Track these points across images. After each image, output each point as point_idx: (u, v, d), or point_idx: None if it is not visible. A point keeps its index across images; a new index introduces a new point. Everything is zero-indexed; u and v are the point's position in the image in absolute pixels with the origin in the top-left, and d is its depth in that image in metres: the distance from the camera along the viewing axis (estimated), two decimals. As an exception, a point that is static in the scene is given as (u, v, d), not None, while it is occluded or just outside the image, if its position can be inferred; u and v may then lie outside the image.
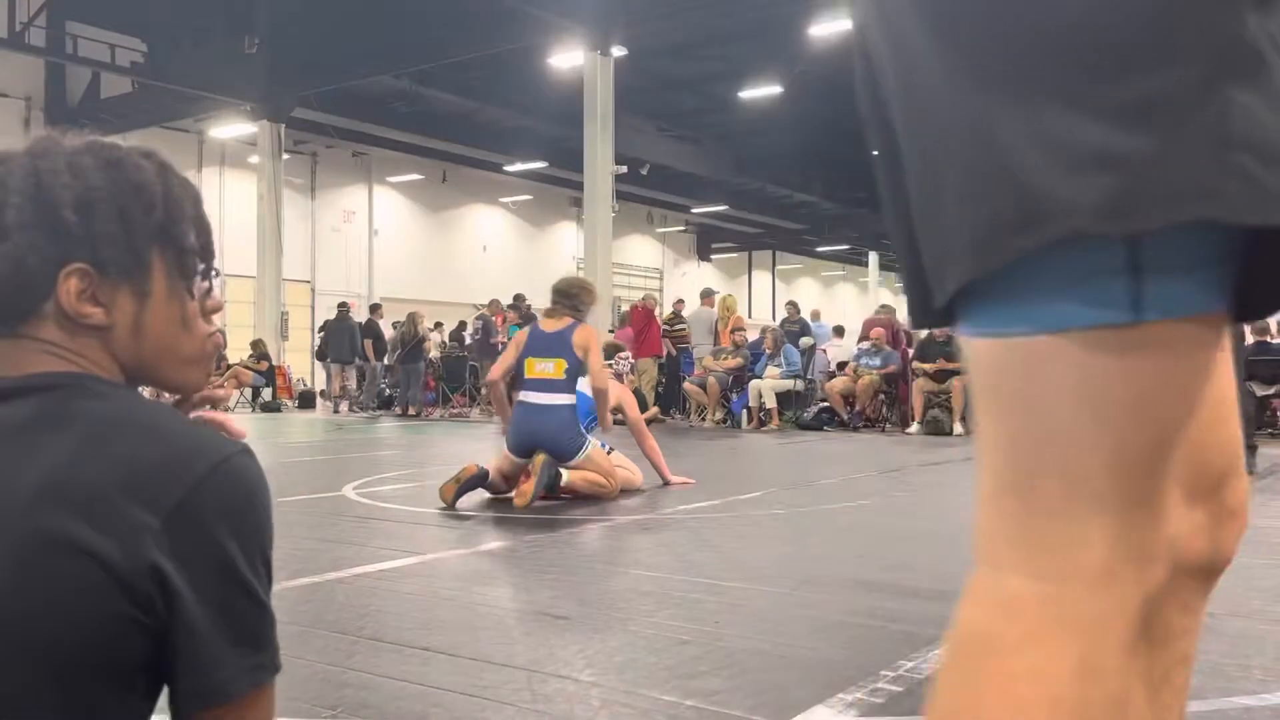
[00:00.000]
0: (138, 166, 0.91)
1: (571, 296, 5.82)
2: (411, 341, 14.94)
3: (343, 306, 16.74)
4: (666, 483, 6.08)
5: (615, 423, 6.05)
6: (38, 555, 0.77)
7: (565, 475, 5.40)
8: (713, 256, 35.40)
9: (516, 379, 5.78)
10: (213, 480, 0.82)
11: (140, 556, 0.78)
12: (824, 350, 14.08)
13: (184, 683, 0.82)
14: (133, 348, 0.91)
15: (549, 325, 5.74)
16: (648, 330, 13.81)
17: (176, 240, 0.93)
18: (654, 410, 13.23)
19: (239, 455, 0.85)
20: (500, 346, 15.78)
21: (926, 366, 11.42)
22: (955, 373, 11.27)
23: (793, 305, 15.53)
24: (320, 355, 18.26)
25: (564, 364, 5.55)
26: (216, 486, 0.82)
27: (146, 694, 0.83)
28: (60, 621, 0.76)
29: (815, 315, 16.90)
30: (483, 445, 9.92)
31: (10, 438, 0.82)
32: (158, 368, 0.94)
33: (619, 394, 6.12)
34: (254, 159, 19.71)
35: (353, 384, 16.73)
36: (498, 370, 5.88)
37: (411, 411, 15.07)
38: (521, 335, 5.92)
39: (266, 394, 16.70)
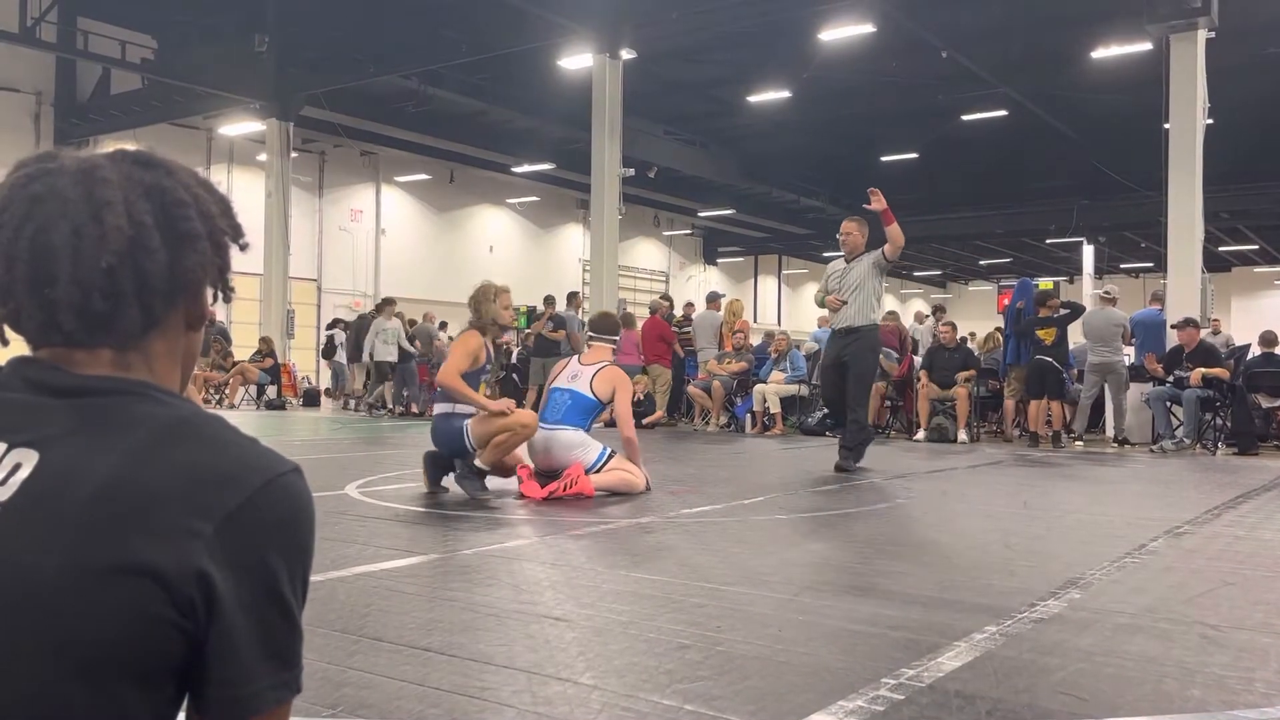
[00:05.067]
0: (214, 185, 0.98)
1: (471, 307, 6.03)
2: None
3: (385, 302, 16.53)
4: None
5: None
6: (88, 559, 0.77)
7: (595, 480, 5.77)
8: (719, 260, 35.38)
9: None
10: (266, 494, 0.84)
11: (190, 562, 0.79)
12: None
13: (212, 690, 0.82)
14: (191, 350, 0.97)
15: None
16: (659, 338, 13.81)
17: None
18: (659, 414, 13.23)
19: (293, 473, 0.87)
20: (504, 345, 15.81)
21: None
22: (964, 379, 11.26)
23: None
24: (327, 354, 18.27)
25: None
26: (269, 501, 0.84)
27: (173, 699, 0.83)
28: (101, 623, 0.77)
29: (823, 322, 16.87)
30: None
31: (75, 435, 0.83)
32: (190, 369, 0.99)
33: (621, 377, 6.08)
34: (262, 157, 19.75)
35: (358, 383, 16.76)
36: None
37: (414, 410, 15.07)
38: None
39: (271, 391, 16.72)
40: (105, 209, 0.86)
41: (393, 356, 15.09)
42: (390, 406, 15.34)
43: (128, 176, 0.89)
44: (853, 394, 7.48)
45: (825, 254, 35.50)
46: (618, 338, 6.37)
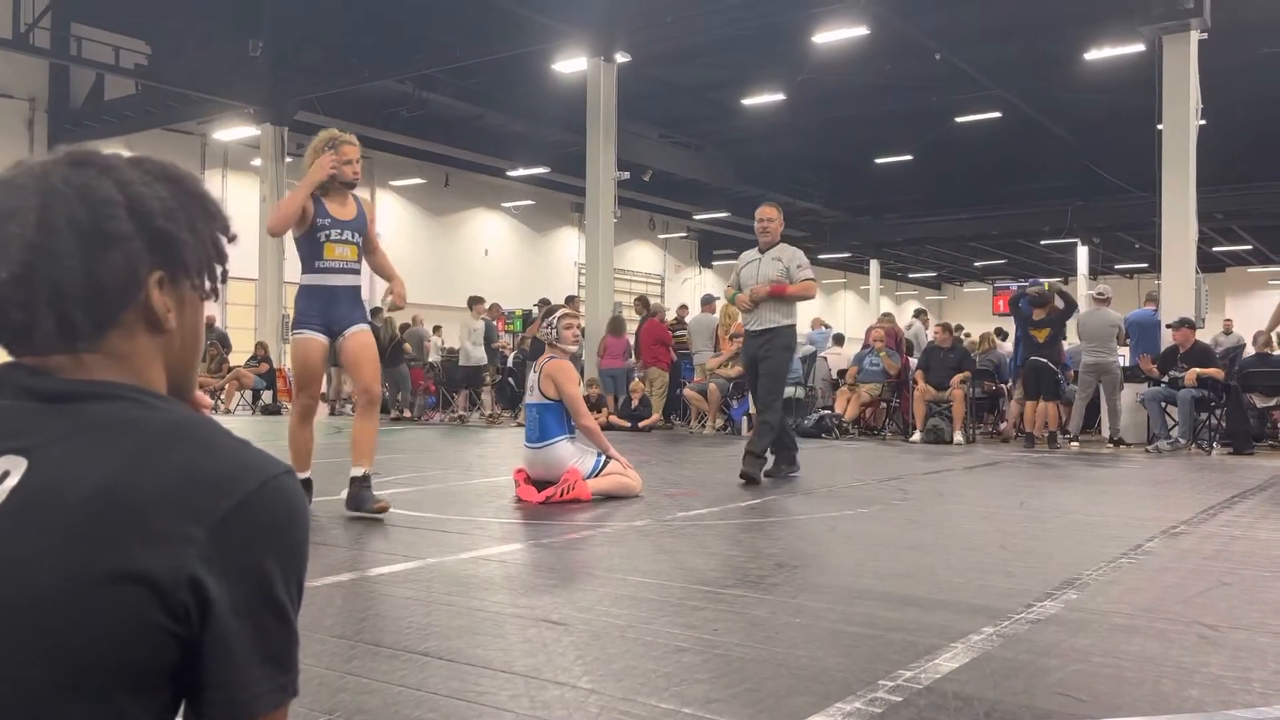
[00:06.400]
0: (190, 178, 0.97)
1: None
2: (389, 345, 14.83)
3: (474, 300, 15.28)
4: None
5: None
6: (79, 565, 0.77)
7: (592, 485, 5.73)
8: (714, 263, 35.41)
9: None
10: (259, 497, 0.83)
11: (182, 568, 0.78)
12: (824, 357, 14.12)
13: (208, 695, 0.82)
14: (179, 353, 0.95)
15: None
16: (657, 341, 13.81)
17: (220, 249, 0.98)
18: (656, 417, 13.23)
19: (285, 475, 0.86)
20: (502, 350, 15.80)
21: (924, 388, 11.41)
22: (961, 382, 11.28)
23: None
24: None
25: (356, 250, 5.12)
26: (262, 503, 0.83)
27: (169, 704, 0.83)
28: (93, 630, 0.76)
29: (816, 324, 16.92)
30: (482, 450, 9.92)
31: (65, 440, 0.82)
32: (186, 372, 0.97)
33: (557, 369, 5.89)
34: (256, 162, 19.73)
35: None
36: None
37: (407, 415, 15.03)
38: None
39: (267, 396, 16.70)
40: (11, 218, 0.85)
41: (484, 359, 14.20)
42: (489, 412, 14.26)
43: (62, 180, 0.87)
44: (764, 390, 6.91)
45: (820, 255, 35.60)
46: (539, 331, 6.06)
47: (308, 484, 5.05)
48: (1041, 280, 12.64)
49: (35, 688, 0.75)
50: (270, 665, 0.83)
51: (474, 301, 14.62)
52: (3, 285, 0.84)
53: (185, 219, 0.93)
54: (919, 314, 16.09)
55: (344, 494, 5.08)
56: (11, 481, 0.80)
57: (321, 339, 5.08)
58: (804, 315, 15.20)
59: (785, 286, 6.80)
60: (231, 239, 0.99)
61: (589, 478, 5.71)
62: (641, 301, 14.83)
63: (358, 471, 5.02)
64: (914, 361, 12.38)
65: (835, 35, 15.37)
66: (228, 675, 0.81)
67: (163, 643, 0.78)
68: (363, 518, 4.92)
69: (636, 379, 13.63)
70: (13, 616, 0.76)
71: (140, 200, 0.90)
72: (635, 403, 13.26)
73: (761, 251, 7.05)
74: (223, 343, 16.86)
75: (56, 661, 0.75)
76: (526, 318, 16.14)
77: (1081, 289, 25.40)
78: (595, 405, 12.24)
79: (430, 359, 16.20)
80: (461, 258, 26.60)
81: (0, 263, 0.84)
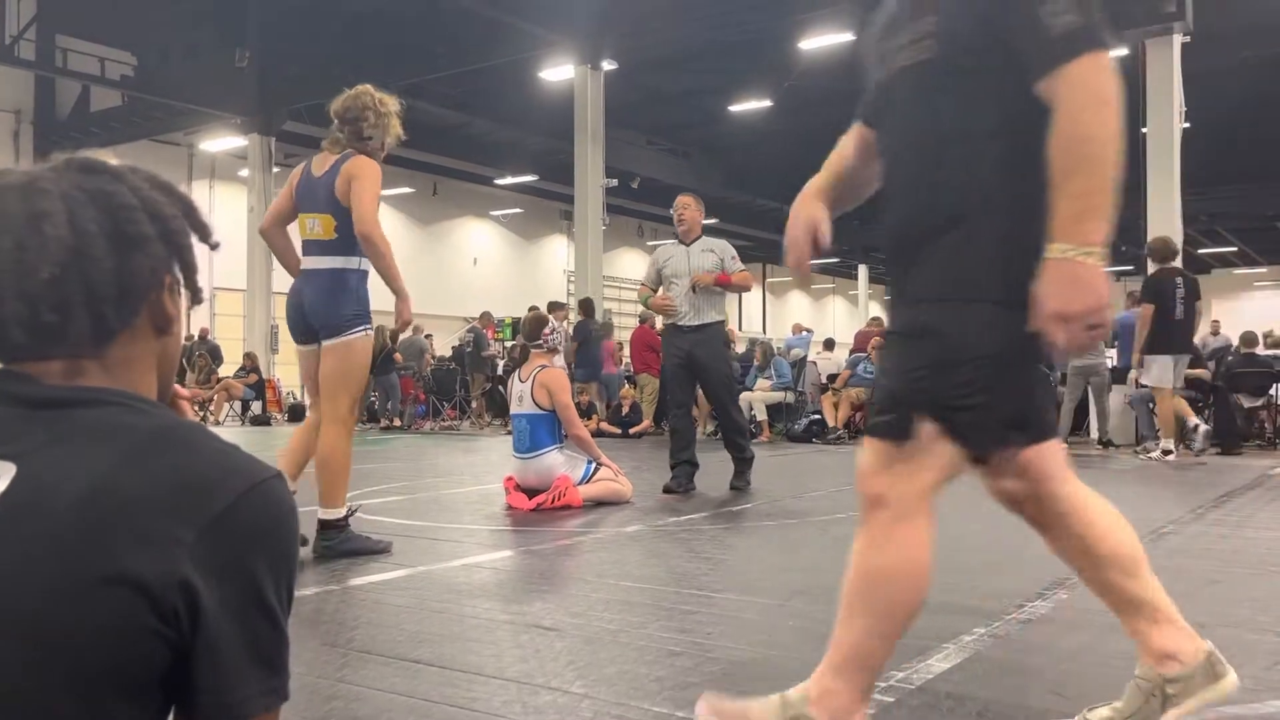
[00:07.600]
0: (175, 186, 0.98)
1: (351, 121, 4.38)
2: (380, 354, 14.72)
3: (554, 306, 14.76)
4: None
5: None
6: (70, 570, 0.77)
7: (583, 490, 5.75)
8: (703, 269, 35.45)
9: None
10: (248, 500, 0.83)
11: (173, 571, 0.78)
12: (814, 362, 14.15)
13: (201, 699, 0.82)
14: (170, 358, 0.97)
15: (318, 165, 4.26)
16: (647, 347, 13.82)
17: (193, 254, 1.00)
18: (647, 423, 13.23)
19: (274, 479, 0.87)
20: (489, 359, 15.78)
21: None
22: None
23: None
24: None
25: (331, 221, 4.14)
26: (251, 507, 0.83)
27: (161, 708, 0.83)
28: (85, 635, 0.76)
29: (797, 329, 16.97)
30: (473, 458, 9.90)
31: (54, 446, 0.82)
32: (171, 378, 0.99)
33: (551, 378, 5.90)
34: (244, 172, 19.70)
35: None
36: (268, 218, 4.45)
37: (397, 423, 14.99)
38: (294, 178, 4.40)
39: (256, 407, 16.63)
40: (44, 220, 0.85)
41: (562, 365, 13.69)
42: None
43: (75, 185, 0.89)
44: (721, 402, 6.78)
45: (809, 261, 35.66)
46: (540, 341, 6.09)
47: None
48: None
49: (27, 693, 0.75)
50: (261, 668, 0.83)
51: (554, 307, 13.89)
52: (40, 286, 0.85)
53: (189, 224, 0.96)
54: None
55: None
56: (0, 487, 0.80)
57: None
58: (785, 320, 15.23)
59: (730, 277, 6.53)
60: (214, 246, 1.01)
61: (580, 484, 5.72)
62: (583, 306, 14.34)
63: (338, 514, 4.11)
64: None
65: (821, 41, 15.43)
66: (218, 678, 0.81)
67: (154, 646, 0.78)
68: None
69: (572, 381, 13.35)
70: (4, 621, 0.76)
71: (155, 205, 0.92)
72: (626, 409, 13.26)
73: (685, 243, 6.69)
74: (214, 355, 16.79)
75: (48, 666, 0.75)
76: (516, 325, 16.12)
77: (1069, 292, 25.43)
78: (585, 412, 12.24)
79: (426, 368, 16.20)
80: (450, 267, 26.58)
81: (40, 264, 0.85)
